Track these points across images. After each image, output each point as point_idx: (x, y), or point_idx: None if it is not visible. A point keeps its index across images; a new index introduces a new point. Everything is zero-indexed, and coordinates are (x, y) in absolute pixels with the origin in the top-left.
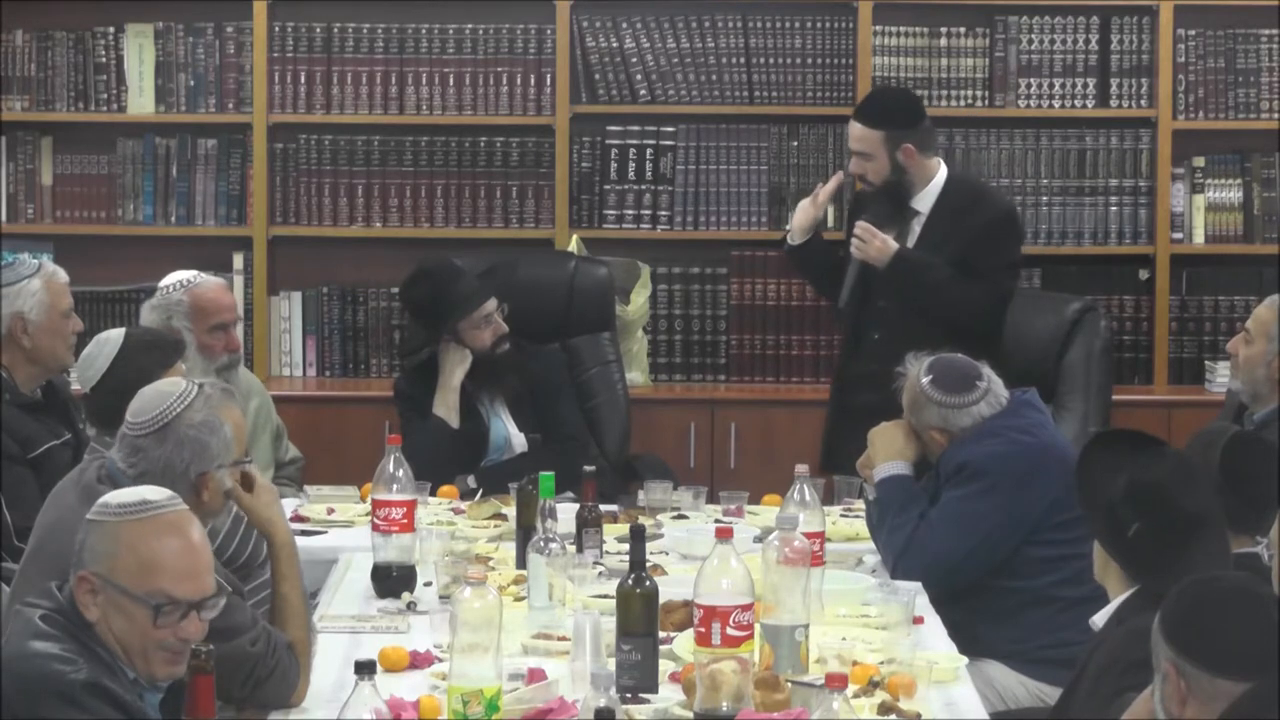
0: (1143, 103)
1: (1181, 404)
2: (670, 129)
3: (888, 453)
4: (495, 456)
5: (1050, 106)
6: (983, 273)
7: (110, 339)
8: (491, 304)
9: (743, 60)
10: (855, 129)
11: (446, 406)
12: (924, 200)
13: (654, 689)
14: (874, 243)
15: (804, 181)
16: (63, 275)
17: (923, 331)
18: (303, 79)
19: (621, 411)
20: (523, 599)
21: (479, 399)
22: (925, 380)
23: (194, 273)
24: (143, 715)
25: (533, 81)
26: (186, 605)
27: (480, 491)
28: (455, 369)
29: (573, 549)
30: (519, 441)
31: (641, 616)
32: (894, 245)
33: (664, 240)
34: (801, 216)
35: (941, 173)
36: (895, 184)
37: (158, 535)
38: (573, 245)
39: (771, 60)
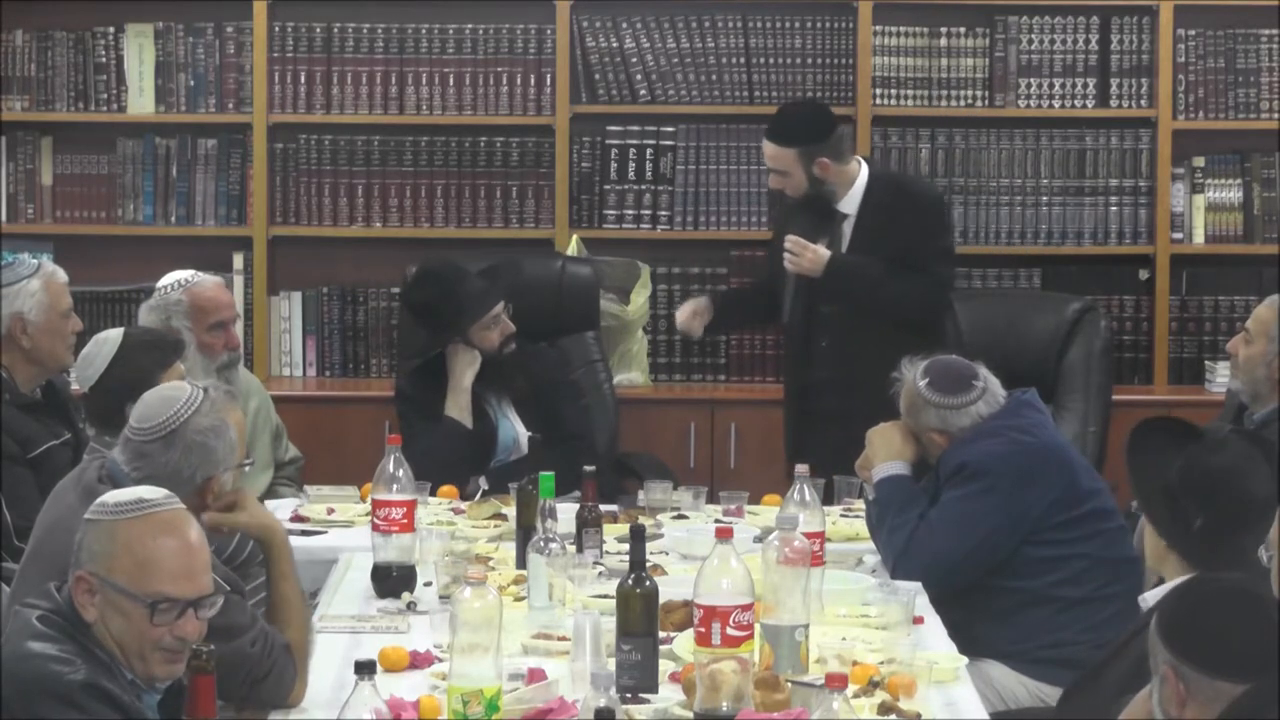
0: (1143, 103)
1: (1181, 404)
2: (670, 129)
3: (886, 453)
4: (503, 457)
5: (1050, 106)
6: (919, 263)
7: (109, 339)
8: (500, 304)
9: (743, 60)
10: (768, 148)
11: (459, 408)
12: (849, 202)
13: (654, 689)
14: (806, 254)
15: None
16: (62, 275)
17: (869, 332)
18: (303, 79)
19: (610, 410)
20: (523, 599)
21: (486, 399)
22: (922, 383)
23: (191, 272)
24: (141, 716)
25: (533, 81)
26: (184, 604)
27: (482, 491)
28: (466, 370)
29: (573, 549)
30: (527, 441)
31: (641, 616)
32: (825, 253)
33: (664, 240)
34: (691, 325)
35: (863, 172)
36: (815, 197)
37: (154, 534)
38: (573, 245)
39: (771, 60)
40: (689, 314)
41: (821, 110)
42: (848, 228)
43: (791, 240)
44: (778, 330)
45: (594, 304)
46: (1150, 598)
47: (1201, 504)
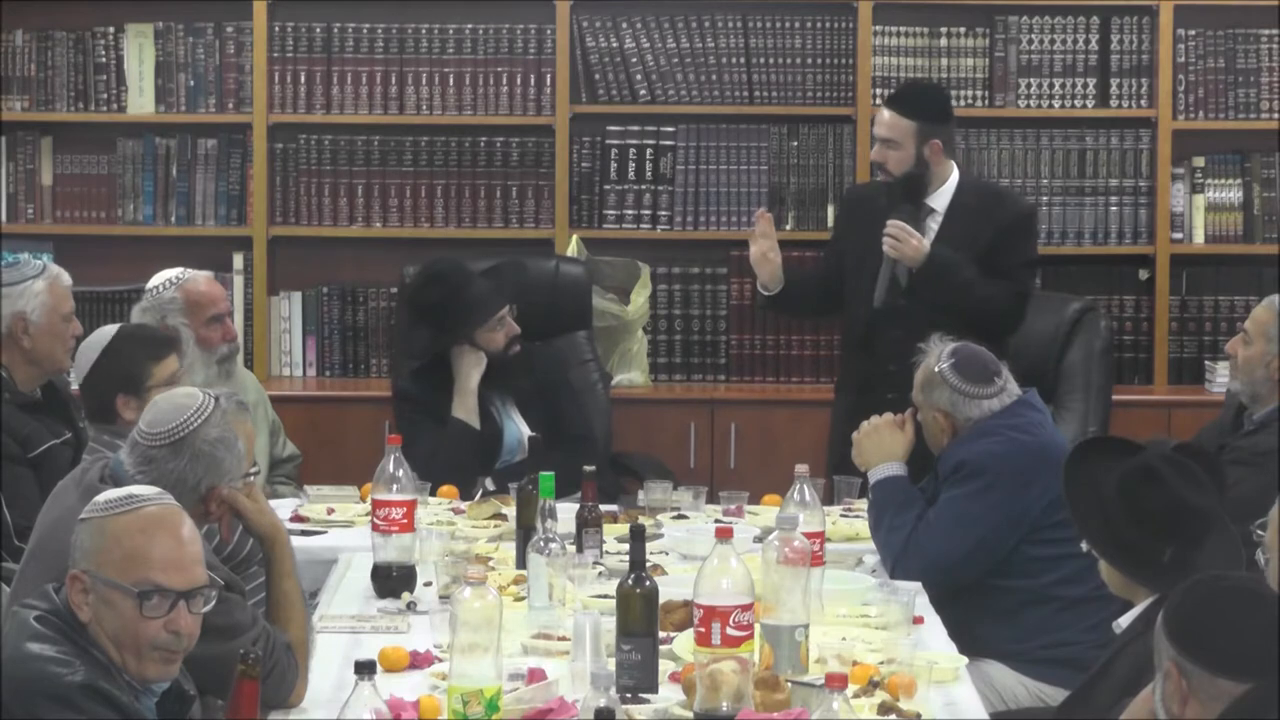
0: (1143, 103)
1: (1181, 404)
2: (670, 129)
3: (880, 454)
4: (508, 458)
5: (1050, 106)
6: (1005, 271)
7: (103, 333)
8: (505, 307)
9: (743, 60)
10: (886, 115)
11: (467, 409)
12: (939, 199)
13: (654, 689)
14: (910, 241)
15: (804, 181)
16: (66, 278)
17: (945, 330)
18: (303, 79)
19: (603, 410)
20: (523, 599)
21: (491, 401)
22: (946, 364)
23: (180, 269)
24: (140, 717)
25: (533, 81)
26: (175, 595)
27: (481, 492)
28: (472, 371)
29: (573, 549)
30: (529, 442)
31: (641, 616)
32: (927, 245)
33: (664, 240)
34: (768, 269)
35: (955, 174)
36: (913, 179)
37: (144, 528)
38: (573, 245)
39: (771, 60)
40: (760, 258)
41: (946, 95)
42: (934, 224)
43: (896, 225)
44: (779, 330)
45: (587, 303)
46: (1123, 622)
47: (1168, 536)
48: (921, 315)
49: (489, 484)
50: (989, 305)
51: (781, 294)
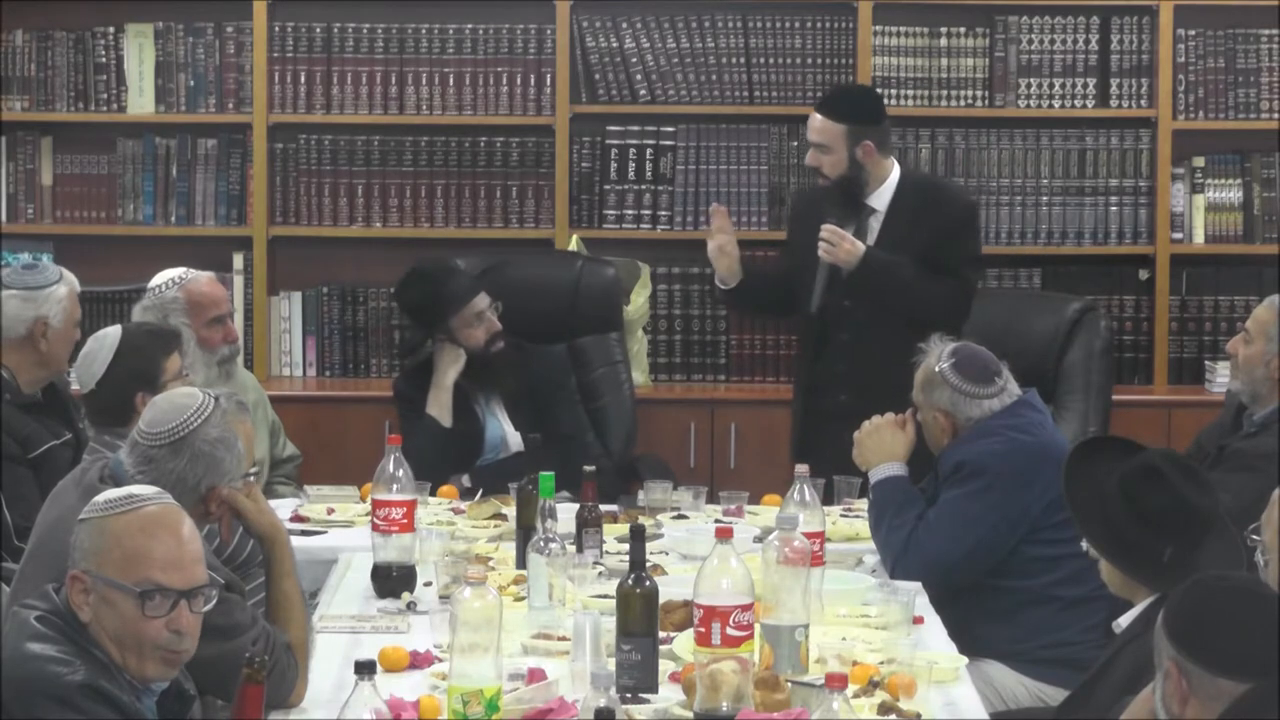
0: (1143, 103)
1: (1181, 404)
2: (670, 129)
3: (881, 454)
4: (491, 456)
5: (1050, 106)
6: (948, 268)
7: (109, 335)
8: (483, 301)
9: (743, 60)
10: (816, 120)
11: (439, 405)
12: (879, 198)
13: (654, 689)
14: (843, 245)
15: (804, 181)
16: (78, 285)
17: (890, 330)
18: (303, 79)
19: (627, 412)
20: (523, 599)
21: (474, 398)
22: (947, 364)
23: (183, 269)
24: (140, 717)
25: (533, 81)
26: (176, 595)
27: (481, 492)
28: (449, 368)
29: (573, 549)
30: (515, 441)
31: (641, 616)
32: (861, 246)
33: (664, 240)
34: (725, 262)
35: (895, 171)
36: (849, 181)
37: (144, 528)
38: (573, 245)
39: (771, 60)
40: (718, 251)
41: (876, 96)
42: (875, 223)
43: (830, 229)
44: (779, 330)
45: (615, 305)
46: (1123, 622)
47: (1169, 536)
48: (867, 316)
49: (465, 481)
50: (931, 303)
51: (739, 288)
